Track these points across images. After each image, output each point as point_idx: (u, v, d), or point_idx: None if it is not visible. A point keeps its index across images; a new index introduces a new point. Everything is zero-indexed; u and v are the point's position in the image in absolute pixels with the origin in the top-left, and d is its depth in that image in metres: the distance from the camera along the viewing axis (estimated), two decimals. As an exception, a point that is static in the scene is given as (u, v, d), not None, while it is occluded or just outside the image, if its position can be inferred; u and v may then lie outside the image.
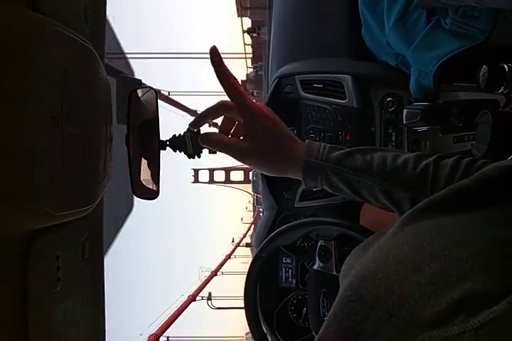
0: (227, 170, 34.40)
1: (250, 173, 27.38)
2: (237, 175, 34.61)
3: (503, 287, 0.37)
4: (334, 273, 1.21)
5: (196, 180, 35.35)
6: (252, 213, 32.82)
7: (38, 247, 0.50)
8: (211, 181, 34.97)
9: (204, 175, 35.40)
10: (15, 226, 0.47)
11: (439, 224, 0.50)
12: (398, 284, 0.42)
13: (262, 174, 1.47)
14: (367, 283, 0.45)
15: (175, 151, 0.78)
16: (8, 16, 0.45)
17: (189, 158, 0.80)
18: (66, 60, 0.52)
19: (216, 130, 0.80)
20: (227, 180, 34.66)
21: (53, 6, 0.53)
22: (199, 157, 0.80)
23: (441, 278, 0.41)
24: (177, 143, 0.77)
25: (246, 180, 32.44)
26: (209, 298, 16.46)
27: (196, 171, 35.30)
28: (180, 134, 0.78)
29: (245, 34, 19.88)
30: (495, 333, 0.34)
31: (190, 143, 0.78)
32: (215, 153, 0.79)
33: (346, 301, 0.45)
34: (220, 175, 35.18)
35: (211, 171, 34.81)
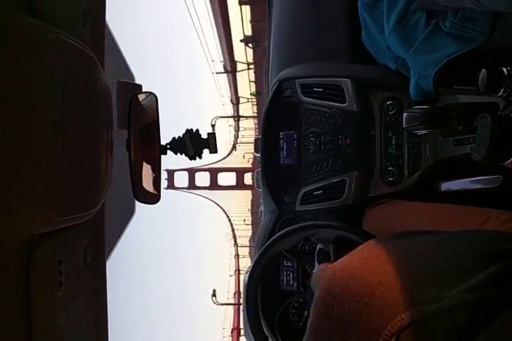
0: (214, 172, 24.63)
1: (246, 175, 21.80)
2: (227, 178, 24.83)
3: None
4: None
5: (171, 185, 24.20)
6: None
7: (41, 252, 0.50)
8: (192, 186, 24.63)
9: (182, 179, 24.35)
10: (17, 232, 0.48)
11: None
12: (366, 274, 0.46)
13: (262, 177, 1.47)
14: (338, 282, 0.48)
15: (176, 154, 0.78)
16: (7, 23, 0.46)
17: (190, 159, 0.80)
18: (66, 66, 0.53)
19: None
20: (214, 185, 24.77)
21: (52, 12, 0.54)
22: (200, 158, 0.80)
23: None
24: (177, 145, 0.78)
25: (239, 185, 24.16)
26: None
27: (171, 173, 23.66)
28: (179, 136, 0.78)
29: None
30: None
31: (190, 145, 0.78)
32: (216, 152, 0.79)
33: (322, 302, 0.48)
34: (204, 178, 24.67)
35: (191, 172, 24.27)
